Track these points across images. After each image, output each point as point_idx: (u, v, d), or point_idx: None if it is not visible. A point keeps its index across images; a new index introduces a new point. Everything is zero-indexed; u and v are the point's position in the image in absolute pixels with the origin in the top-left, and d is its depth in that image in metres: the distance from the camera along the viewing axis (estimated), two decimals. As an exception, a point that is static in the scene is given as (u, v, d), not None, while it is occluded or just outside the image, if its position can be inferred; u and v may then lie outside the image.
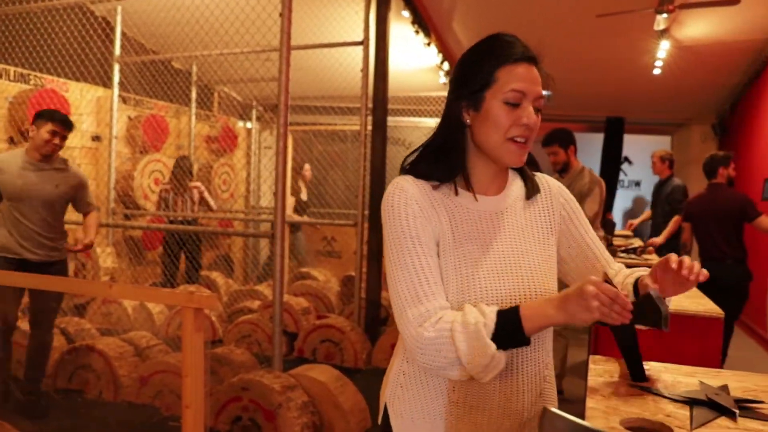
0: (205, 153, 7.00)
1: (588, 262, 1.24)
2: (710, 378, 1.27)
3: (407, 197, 1.12)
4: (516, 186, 1.21)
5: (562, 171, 3.99)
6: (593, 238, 1.26)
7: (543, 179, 1.25)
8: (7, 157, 3.42)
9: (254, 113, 8.02)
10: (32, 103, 4.90)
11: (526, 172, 1.23)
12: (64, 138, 3.43)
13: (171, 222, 5.60)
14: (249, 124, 7.91)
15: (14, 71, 4.99)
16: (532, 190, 1.21)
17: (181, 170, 5.70)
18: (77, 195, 3.59)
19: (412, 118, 7.52)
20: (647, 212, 6.01)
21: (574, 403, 3.98)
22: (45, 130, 3.33)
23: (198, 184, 5.78)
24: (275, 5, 3.59)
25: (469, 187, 1.16)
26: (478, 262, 1.10)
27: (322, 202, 7.52)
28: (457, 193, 1.15)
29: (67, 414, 3.45)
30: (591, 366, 1.35)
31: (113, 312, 4.97)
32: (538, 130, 1.12)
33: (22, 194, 3.35)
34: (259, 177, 7.72)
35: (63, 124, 3.40)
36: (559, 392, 4.04)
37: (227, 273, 6.70)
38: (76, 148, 5.46)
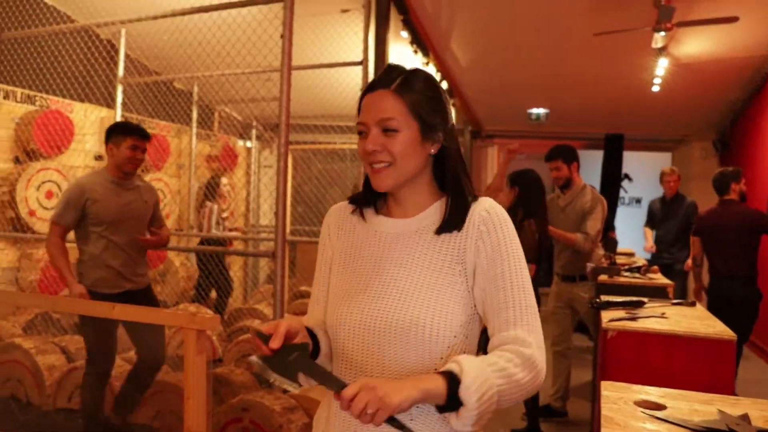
0: (206, 172, 7.03)
1: (493, 307, 1.09)
2: (728, 406, 1.23)
3: (325, 222, 1.30)
4: (434, 212, 1.17)
5: (563, 187, 4.01)
6: (511, 283, 1.09)
7: (478, 207, 1.15)
8: (91, 180, 3.17)
9: (254, 132, 8.07)
10: (38, 123, 4.94)
11: (454, 202, 1.15)
12: (144, 150, 3.23)
13: (203, 242, 5.75)
14: (249, 143, 7.96)
15: (21, 93, 5.05)
16: (447, 223, 1.13)
17: (210, 190, 5.85)
18: (156, 210, 3.41)
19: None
20: (648, 230, 6.00)
21: (579, 425, 3.94)
22: (125, 146, 3.12)
23: (214, 204, 5.88)
24: (276, 27, 3.64)
25: (384, 209, 1.22)
26: (354, 284, 1.16)
27: (320, 220, 7.52)
28: (377, 214, 1.22)
29: (66, 434, 3.44)
30: (603, 393, 1.33)
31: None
32: (400, 149, 1.12)
33: (117, 217, 3.13)
34: (259, 196, 7.74)
35: (141, 135, 3.21)
36: (563, 414, 4.01)
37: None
38: (79, 167, 5.49)
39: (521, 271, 1.10)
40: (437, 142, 1.15)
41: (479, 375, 0.95)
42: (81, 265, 3.14)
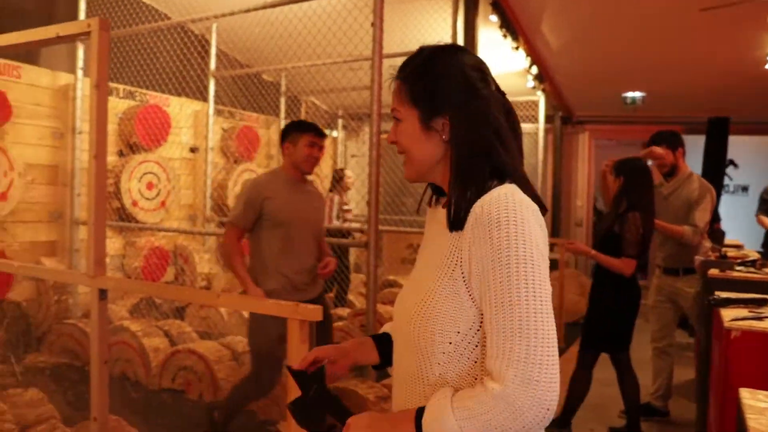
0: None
1: (485, 327, 0.97)
2: None
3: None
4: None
5: (668, 174, 3.78)
6: (497, 301, 0.93)
7: (480, 202, 0.99)
8: (268, 179, 3.07)
9: (340, 122, 8.15)
10: (139, 117, 5.19)
11: (452, 197, 1.03)
12: (321, 148, 3.09)
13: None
14: (335, 133, 8.04)
15: (123, 89, 5.31)
16: (450, 221, 1.02)
17: (334, 181, 6.02)
18: (323, 221, 3.28)
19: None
20: (764, 218, 5.55)
21: (682, 426, 3.73)
22: (303, 143, 2.99)
23: (335, 195, 5.99)
24: (366, 15, 3.62)
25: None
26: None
27: (405, 210, 7.50)
28: (437, 203, 1.17)
29: (173, 413, 3.61)
30: (746, 402, 1.21)
31: (210, 316, 5.16)
32: (405, 139, 1.10)
33: (292, 216, 2.98)
34: (346, 185, 7.80)
35: (317, 132, 3.07)
36: (665, 414, 3.81)
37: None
38: (176, 159, 5.73)
39: (510, 287, 0.91)
40: (445, 126, 1.05)
41: (438, 417, 0.92)
42: (252, 272, 2.97)
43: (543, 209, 1.01)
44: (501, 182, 1.01)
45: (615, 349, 3.33)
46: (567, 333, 5.50)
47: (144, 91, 5.48)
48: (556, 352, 0.91)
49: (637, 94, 6.98)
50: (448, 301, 0.99)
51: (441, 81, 1.05)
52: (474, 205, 0.98)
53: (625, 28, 5.56)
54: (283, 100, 6.83)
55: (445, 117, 1.04)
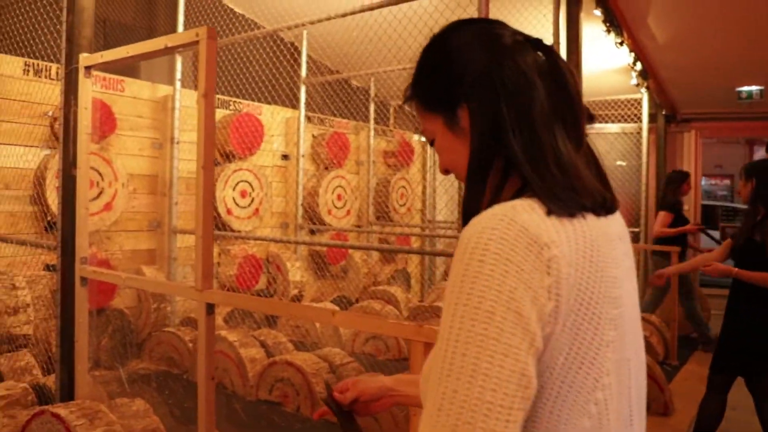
0: (383, 168, 7.08)
1: None
2: None
3: None
4: None
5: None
6: (435, 352, 0.67)
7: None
8: None
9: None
10: (233, 126, 5.23)
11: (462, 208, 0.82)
12: None
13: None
14: (423, 138, 7.88)
15: (218, 98, 5.38)
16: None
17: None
18: None
19: (597, 125, 6.99)
20: None
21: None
22: None
23: None
24: (458, 15, 3.42)
25: None
26: None
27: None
28: None
29: (269, 426, 3.54)
30: None
31: (302, 324, 5.12)
32: (443, 158, 0.87)
33: None
34: (434, 192, 7.64)
35: None
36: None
37: (406, 288, 6.68)
38: (268, 167, 5.76)
39: (446, 340, 0.64)
40: (464, 116, 0.80)
41: None
42: None
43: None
44: (522, 183, 0.74)
45: (754, 373, 2.97)
46: (680, 347, 5.07)
47: (237, 99, 5.53)
48: None
49: (754, 88, 6.40)
50: None
51: (441, 68, 0.83)
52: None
53: (740, 17, 5.09)
54: (372, 106, 6.75)
55: (462, 105, 0.81)
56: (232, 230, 5.24)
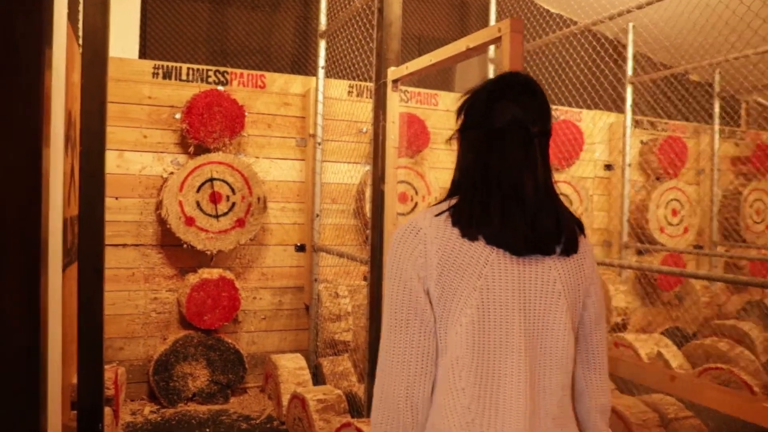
0: (731, 177, 5.86)
1: None
2: None
3: None
4: None
5: None
6: None
7: None
8: None
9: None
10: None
11: None
12: None
13: None
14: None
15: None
16: None
17: None
18: None
19: None
20: None
21: None
22: None
23: None
24: None
25: None
26: None
27: None
28: None
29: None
30: None
31: (622, 356, 4.42)
32: None
33: None
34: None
35: None
36: None
37: (763, 325, 5.34)
38: (588, 178, 5.22)
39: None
40: None
41: None
42: None
43: (469, 233, 1.06)
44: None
45: None
46: None
47: (554, 106, 5.15)
48: (394, 366, 1.07)
49: None
50: None
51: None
52: None
53: None
54: (716, 103, 5.63)
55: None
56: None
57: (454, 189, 1.14)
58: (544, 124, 1.10)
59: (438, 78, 5.26)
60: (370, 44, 3.59)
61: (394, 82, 2.88)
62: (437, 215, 1.08)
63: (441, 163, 4.67)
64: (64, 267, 2.25)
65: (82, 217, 2.23)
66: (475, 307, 1.03)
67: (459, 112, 1.17)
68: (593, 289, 1.14)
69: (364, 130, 4.09)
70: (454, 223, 1.06)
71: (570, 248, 1.09)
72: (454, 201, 1.10)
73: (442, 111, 4.68)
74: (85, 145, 2.24)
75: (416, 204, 4.39)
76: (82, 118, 2.24)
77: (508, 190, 1.05)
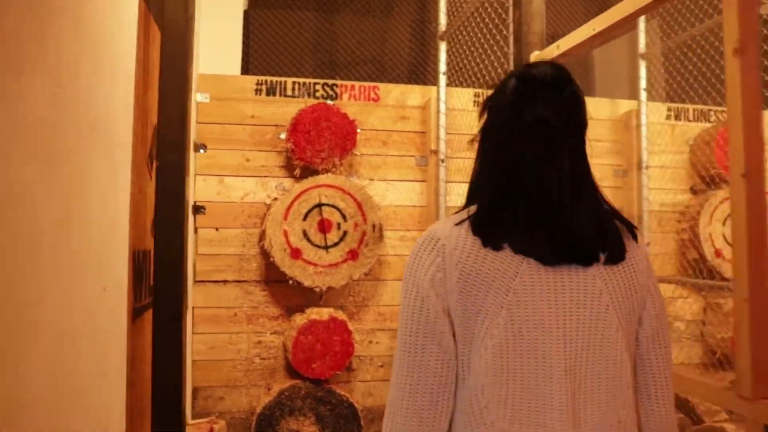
0: None
1: None
2: None
3: None
4: None
5: None
6: None
7: None
8: None
9: None
10: (718, 142, 4.00)
11: None
12: None
13: None
14: None
15: (693, 109, 4.25)
16: None
17: None
18: None
19: None
20: None
21: None
22: None
23: None
24: None
25: None
26: None
27: None
28: None
29: None
30: None
31: None
32: None
33: None
34: None
35: None
36: None
37: None
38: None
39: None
40: None
41: None
42: None
43: (493, 241, 0.94)
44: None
45: None
46: None
47: (719, 108, 4.27)
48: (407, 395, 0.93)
49: None
50: None
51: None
52: None
53: None
54: None
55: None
56: (723, 279, 3.94)
57: (473, 194, 1.03)
58: (574, 118, 1.01)
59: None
60: (500, 42, 3.01)
61: (542, 68, 2.25)
62: (457, 224, 0.98)
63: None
64: (138, 312, 1.80)
65: (157, 250, 1.78)
66: (504, 326, 0.92)
67: (482, 111, 1.06)
68: (650, 298, 0.99)
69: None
70: (475, 231, 0.95)
71: (616, 255, 0.95)
72: (473, 209, 0.99)
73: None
74: (161, 159, 1.80)
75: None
76: (158, 125, 1.81)
77: (533, 191, 0.94)
